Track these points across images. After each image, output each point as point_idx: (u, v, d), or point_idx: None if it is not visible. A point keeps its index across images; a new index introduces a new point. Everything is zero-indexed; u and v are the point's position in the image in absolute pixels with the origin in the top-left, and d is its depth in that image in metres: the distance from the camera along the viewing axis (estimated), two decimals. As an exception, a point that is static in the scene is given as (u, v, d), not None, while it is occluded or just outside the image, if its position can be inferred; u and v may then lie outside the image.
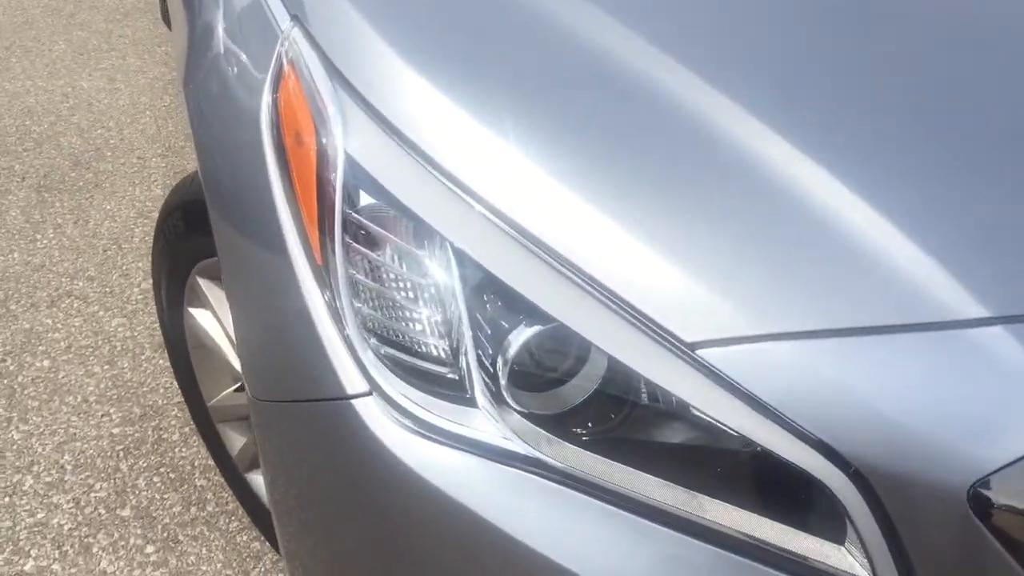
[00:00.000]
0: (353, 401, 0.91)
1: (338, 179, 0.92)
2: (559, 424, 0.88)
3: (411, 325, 0.90)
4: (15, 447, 1.92)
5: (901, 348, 0.75)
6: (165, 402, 2.05)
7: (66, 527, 1.77)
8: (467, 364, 0.88)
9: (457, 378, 0.89)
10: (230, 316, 1.50)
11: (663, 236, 0.82)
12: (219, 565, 1.72)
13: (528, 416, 0.87)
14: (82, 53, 3.50)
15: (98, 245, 2.51)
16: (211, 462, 1.89)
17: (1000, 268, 0.79)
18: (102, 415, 2.01)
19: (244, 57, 1.14)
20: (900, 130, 0.90)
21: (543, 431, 0.86)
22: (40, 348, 2.17)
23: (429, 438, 0.88)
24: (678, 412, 0.85)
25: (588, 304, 0.82)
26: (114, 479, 1.87)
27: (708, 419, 0.80)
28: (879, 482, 0.74)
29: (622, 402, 0.88)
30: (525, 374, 0.87)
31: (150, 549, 1.74)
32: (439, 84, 0.94)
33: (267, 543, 1.76)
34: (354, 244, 0.91)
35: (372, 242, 0.91)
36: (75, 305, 2.30)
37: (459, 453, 0.88)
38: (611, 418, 0.88)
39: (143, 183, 2.78)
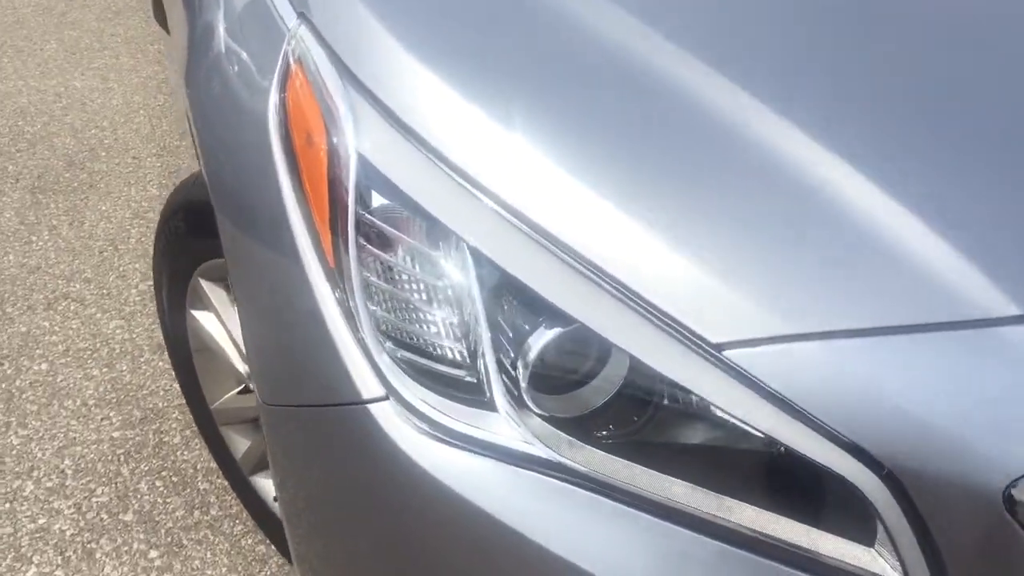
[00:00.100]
0: (369, 406, 0.89)
1: (350, 179, 0.90)
2: (579, 427, 0.86)
3: (427, 327, 0.89)
4: (14, 452, 1.90)
5: (932, 347, 0.74)
6: (165, 405, 2.03)
7: (68, 533, 1.75)
8: (485, 367, 0.86)
9: (475, 381, 0.87)
10: (234, 318, 1.49)
11: (687, 235, 0.80)
12: (224, 569, 1.70)
13: (548, 419, 0.86)
14: (74, 52, 3.46)
15: (94, 246, 2.49)
16: (213, 465, 1.87)
17: (1030, 265, 0.78)
18: (102, 419, 1.99)
19: (248, 56, 1.12)
20: (927, 128, 0.89)
21: (564, 434, 0.85)
22: (38, 351, 2.14)
23: (447, 442, 0.87)
24: (701, 413, 0.84)
25: (611, 305, 0.80)
26: (115, 483, 1.85)
27: (735, 421, 0.79)
28: (912, 483, 0.73)
29: (644, 404, 0.86)
30: (544, 376, 0.86)
31: (154, 554, 1.72)
32: (452, 80, 0.92)
33: (272, 546, 1.74)
34: (368, 246, 0.90)
35: (386, 243, 0.89)
36: (72, 307, 2.28)
37: (478, 457, 0.86)
38: (633, 420, 0.86)
39: (138, 183, 2.75)
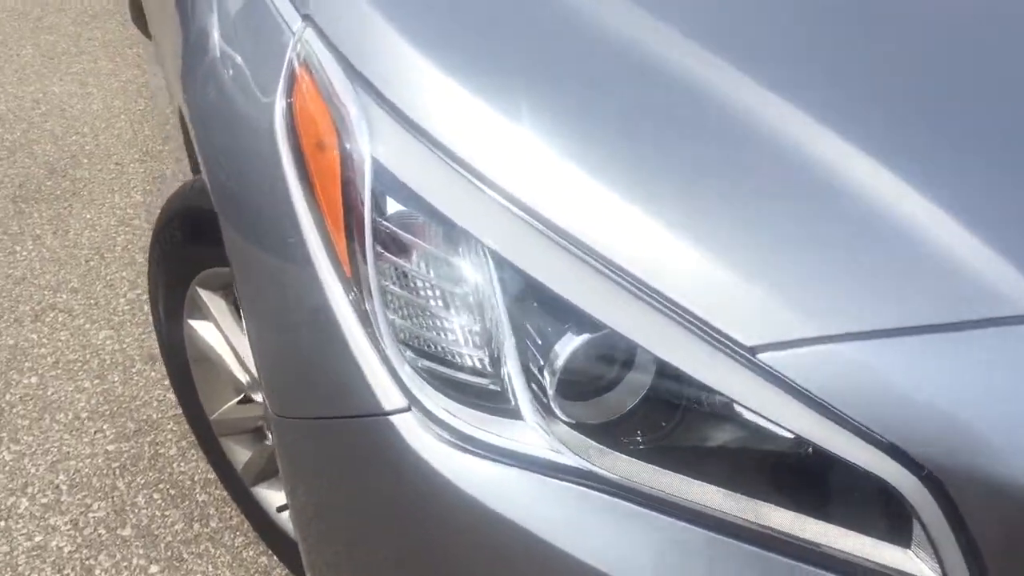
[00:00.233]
0: (391, 417, 0.87)
1: (366, 185, 0.88)
2: (606, 433, 0.85)
3: (448, 335, 0.87)
4: (7, 468, 1.86)
5: (968, 345, 0.73)
6: (160, 416, 2.00)
7: (66, 550, 1.71)
8: (509, 374, 0.85)
9: (499, 389, 0.86)
10: (234, 328, 1.47)
11: (714, 236, 0.79)
12: (227, 582, 1.68)
13: (575, 426, 0.84)
14: (52, 58, 3.41)
15: (80, 255, 2.45)
16: (212, 476, 1.84)
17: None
18: (95, 432, 1.95)
19: (251, 60, 1.10)
20: (953, 125, 0.88)
21: (592, 441, 0.83)
22: (26, 364, 2.10)
23: (471, 452, 0.85)
24: (728, 416, 0.83)
25: (640, 309, 0.79)
26: (112, 498, 1.82)
27: (767, 424, 0.77)
28: (952, 484, 0.72)
29: (671, 408, 0.85)
30: (569, 382, 0.84)
31: (154, 569, 1.69)
32: (464, 79, 0.90)
33: (275, 557, 1.71)
34: (386, 253, 0.87)
35: (404, 250, 0.87)
36: (60, 318, 2.24)
37: (503, 466, 0.84)
38: (661, 425, 0.85)
39: (122, 190, 2.71)
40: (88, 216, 2.59)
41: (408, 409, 0.87)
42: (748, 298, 0.77)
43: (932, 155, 0.84)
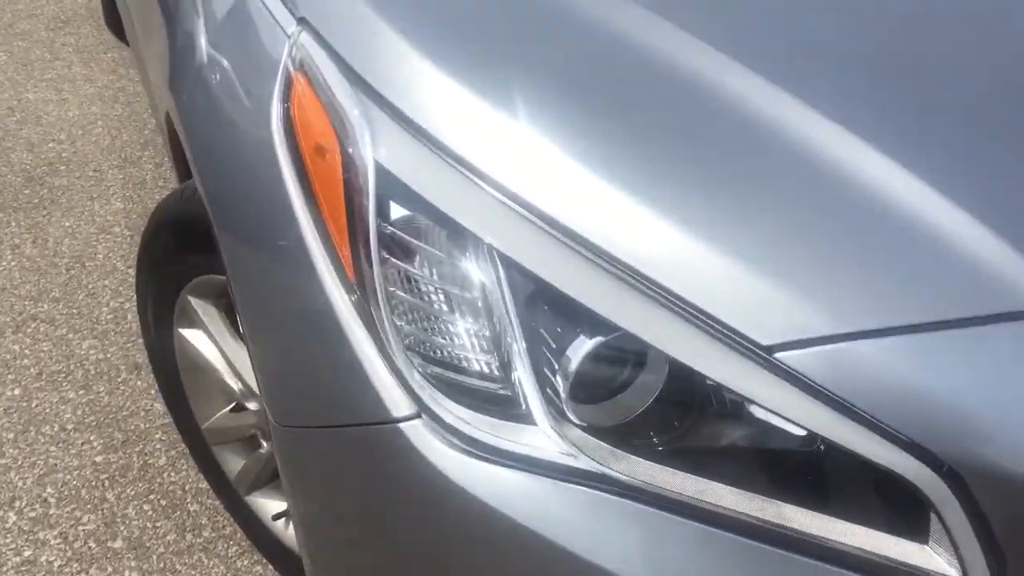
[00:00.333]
0: (400, 424, 0.86)
1: (370, 190, 0.87)
2: (619, 436, 0.84)
3: (457, 340, 0.86)
4: (-7, 483, 1.82)
5: (986, 339, 0.73)
6: (147, 426, 1.97)
7: (56, 564, 1.68)
8: (520, 379, 0.84)
9: (510, 394, 0.85)
10: (226, 336, 1.45)
11: (731, 237, 0.78)
12: (222, 593, 1.65)
13: (587, 429, 0.83)
14: (25, 64, 3.35)
15: (60, 264, 2.41)
16: (203, 485, 1.82)
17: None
18: (82, 443, 1.92)
19: (244, 66, 1.08)
20: (968, 122, 0.88)
21: (607, 445, 0.82)
22: (9, 376, 2.07)
23: (483, 457, 0.84)
24: (743, 415, 0.83)
25: (654, 310, 0.78)
26: (102, 510, 1.79)
27: (787, 423, 0.77)
28: (972, 479, 0.72)
29: (684, 409, 0.84)
30: (581, 385, 0.83)
31: (147, 581, 1.66)
32: (466, 78, 0.89)
33: (269, 567, 1.69)
34: (392, 259, 0.86)
35: (411, 255, 0.86)
36: (42, 329, 2.20)
37: (515, 471, 0.83)
38: (675, 426, 0.84)
39: (101, 197, 2.67)
40: (67, 224, 2.55)
41: (418, 416, 0.86)
42: (764, 297, 0.76)
43: (947, 151, 0.84)
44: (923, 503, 0.76)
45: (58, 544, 1.72)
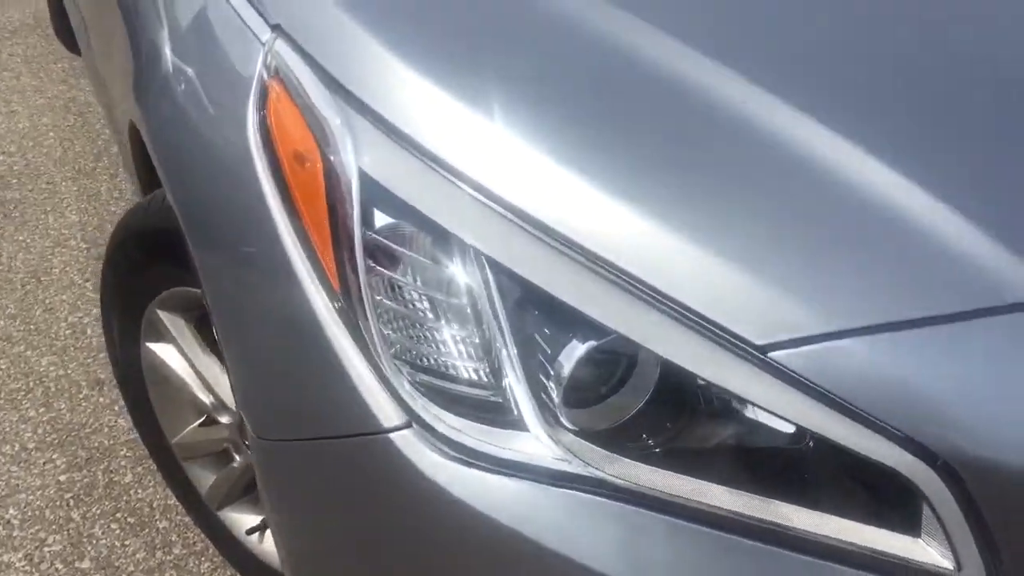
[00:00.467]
0: (390, 435, 0.85)
1: (354, 198, 0.86)
2: (612, 439, 0.84)
3: (445, 348, 0.85)
4: (-48, 506, 1.77)
5: (976, 334, 0.74)
6: (112, 442, 1.93)
7: (22, 588, 1.64)
8: (511, 385, 0.83)
9: (501, 401, 0.84)
10: (196, 349, 1.42)
11: (721, 237, 0.78)
12: (195, 611, 1.62)
13: (580, 434, 0.83)
14: (-30, 76, 3.27)
15: (15, 280, 2.35)
16: (171, 502, 1.78)
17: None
18: (45, 462, 1.87)
19: (217, 74, 1.06)
20: (956, 119, 0.89)
21: (600, 449, 0.82)
22: (-35, 396, 2.01)
23: (475, 465, 0.83)
24: (735, 414, 0.83)
25: (647, 312, 0.78)
26: (67, 530, 1.74)
27: (780, 421, 0.77)
28: (966, 473, 0.73)
29: (676, 410, 0.84)
30: (573, 389, 0.83)
31: (118, 602, 1.63)
32: (448, 83, 0.88)
33: (244, 582, 1.66)
34: (378, 267, 0.85)
35: (397, 263, 0.85)
36: (-2, 346, 2.15)
37: (509, 478, 0.83)
38: (667, 428, 0.84)
39: (55, 210, 2.61)
40: (21, 238, 2.49)
41: (408, 426, 0.85)
42: (755, 296, 0.77)
43: (934, 149, 0.85)
44: (913, 497, 0.77)
45: (23, 566, 1.67)
